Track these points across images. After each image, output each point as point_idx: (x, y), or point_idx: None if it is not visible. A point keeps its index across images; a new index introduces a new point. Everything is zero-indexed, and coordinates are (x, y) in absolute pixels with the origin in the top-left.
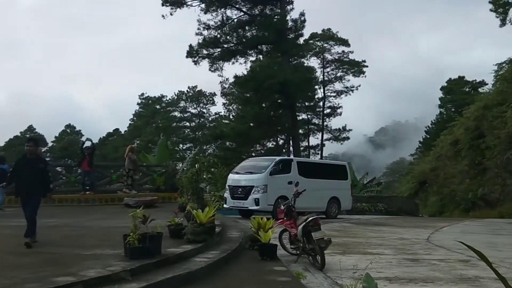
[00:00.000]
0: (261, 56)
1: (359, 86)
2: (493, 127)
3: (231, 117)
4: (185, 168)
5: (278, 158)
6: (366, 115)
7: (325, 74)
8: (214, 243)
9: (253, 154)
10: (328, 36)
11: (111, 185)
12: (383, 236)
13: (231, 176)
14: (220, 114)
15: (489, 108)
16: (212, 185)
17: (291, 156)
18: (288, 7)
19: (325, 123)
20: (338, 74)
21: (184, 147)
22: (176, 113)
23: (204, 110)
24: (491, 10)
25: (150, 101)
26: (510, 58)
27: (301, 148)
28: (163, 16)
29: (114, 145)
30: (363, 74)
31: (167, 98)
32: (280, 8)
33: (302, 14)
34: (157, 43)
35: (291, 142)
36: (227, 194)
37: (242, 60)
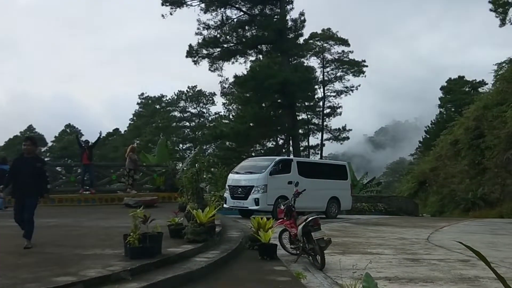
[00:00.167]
0: (261, 56)
1: (359, 86)
2: (493, 127)
3: (231, 117)
4: (185, 168)
5: (278, 158)
6: (366, 115)
7: (325, 74)
8: (214, 243)
9: (253, 154)
10: (328, 35)
11: (111, 185)
12: (383, 236)
13: (231, 176)
14: (220, 114)
15: (489, 108)
16: (212, 185)
17: (291, 156)
18: (288, 7)
19: (325, 123)
20: (338, 74)
21: (184, 147)
22: (176, 113)
23: (204, 110)
24: (490, 10)
25: (150, 101)
26: (510, 58)
27: (301, 148)
28: (162, 15)
29: (114, 145)
30: (363, 74)
31: (167, 98)
32: (280, 7)
33: (302, 13)
34: (157, 43)
35: (291, 142)
36: (227, 194)
37: (242, 60)
